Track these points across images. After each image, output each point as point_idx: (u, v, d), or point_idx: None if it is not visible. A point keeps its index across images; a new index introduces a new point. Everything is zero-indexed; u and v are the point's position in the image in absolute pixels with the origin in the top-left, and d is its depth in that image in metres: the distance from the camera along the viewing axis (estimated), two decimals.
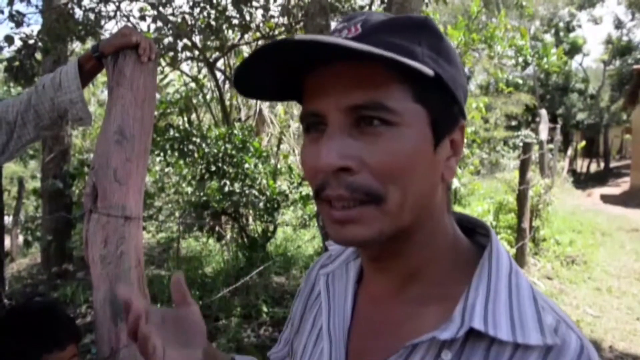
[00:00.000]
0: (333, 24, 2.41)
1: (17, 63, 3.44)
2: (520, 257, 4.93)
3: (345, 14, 4.06)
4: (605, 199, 12.16)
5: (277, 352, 0.73)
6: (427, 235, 0.50)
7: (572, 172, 16.75)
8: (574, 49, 22.20)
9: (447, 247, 0.51)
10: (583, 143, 18.72)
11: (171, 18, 3.45)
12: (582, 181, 16.09)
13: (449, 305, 0.47)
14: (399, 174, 0.45)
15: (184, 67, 5.24)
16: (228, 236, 4.80)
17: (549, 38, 22.25)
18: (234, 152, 4.03)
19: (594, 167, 20.28)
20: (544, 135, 9.10)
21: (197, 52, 3.84)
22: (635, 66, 14.93)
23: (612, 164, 20.83)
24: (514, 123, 18.07)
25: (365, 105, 0.44)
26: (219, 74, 4.95)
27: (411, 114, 0.45)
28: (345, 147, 0.44)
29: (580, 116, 20.98)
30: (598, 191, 13.77)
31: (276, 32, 3.90)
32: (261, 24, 3.74)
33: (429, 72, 0.43)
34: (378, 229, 0.45)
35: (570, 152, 17.13)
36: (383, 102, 0.44)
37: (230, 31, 3.75)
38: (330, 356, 0.54)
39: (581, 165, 19.68)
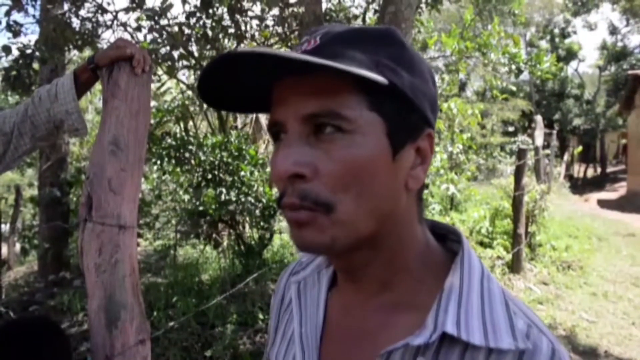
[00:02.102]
0: None
1: (14, 72, 3.47)
2: (516, 263, 4.95)
3: (340, 22, 4.11)
4: (602, 204, 12.22)
5: None
6: (396, 244, 0.50)
7: (569, 177, 16.81)
8: (570, 55, 22.36)
9: (418, 256, 0.51)
10: (580, 148, 18.80)
11: (167, 28, 3.49)
12: (579, 186, 16.14)
13: (422, 311, 0.48)
14: (352, 182, 0.45)
15: (181, 75, 5.27)
16: (225, 243, 4.81)
17: (544, 44, 22.40)
18: (230, 160, 4.05)
19: (590, 172, 20.34)
20: (539, 141, 9.16)
21: (193, 61, 3.88)
22: (630, 71, 15.05)
23: (609, 169, 20.90)
24: (510, 129, 18.17)
25: (319, 114, 0.45)
26: None
27: (366, 123, 0.45)
28: (300, 154, 0.45)
29: (577, 121, 21.09)
30: (595, 196, 13.83)
31: (271, 41, 3.95)
32: (256, 34, 3.78)
33: (382, 80, 0.44)
34: (330, 236, 0.45)
35: (566, 157, 17.20)
36: (337, 111, 0.44)
37: (226, 40, 3.78)
38: None
39: (578, 170, 19.75)
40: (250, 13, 3.65)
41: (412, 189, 0.49)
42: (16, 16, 3.32)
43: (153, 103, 5.51)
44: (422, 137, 0.49)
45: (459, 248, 0.52)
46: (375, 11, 4.21)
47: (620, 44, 22.56)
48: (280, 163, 0.45)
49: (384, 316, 0.51)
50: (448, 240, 0.55)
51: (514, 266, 4.95)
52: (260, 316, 3.46)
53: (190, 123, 5.56)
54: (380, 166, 0.46)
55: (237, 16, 3.45)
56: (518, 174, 4.97)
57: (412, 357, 0.46)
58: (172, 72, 3.75)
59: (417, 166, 0.49)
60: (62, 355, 1.26)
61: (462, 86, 16.08)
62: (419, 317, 0.48)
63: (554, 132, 14.52)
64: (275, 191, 4.32)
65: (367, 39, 0.47)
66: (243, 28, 3.55)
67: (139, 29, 3.65)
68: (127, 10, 3.39)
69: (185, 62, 3.90)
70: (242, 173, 4.02)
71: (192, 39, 3.57)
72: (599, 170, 20.71)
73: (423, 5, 4.50)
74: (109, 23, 3.90)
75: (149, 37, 3.49)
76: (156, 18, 3.28)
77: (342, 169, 0.44)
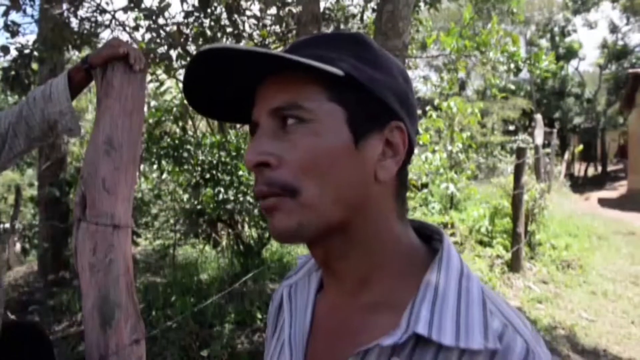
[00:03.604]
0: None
1: (12, 72, 3.47)
2: (515, 262, 4.95)
3: (337, 22, 4.10)
4: (603, 202, 12.21)
5: None
6: (371, 238, 0.51)
7: (570, 176, 16.80)
8: (570, 54, 22.33)
9: (398, 254, 0.52)
10: (581, 147, 18.79)
11: (165, 28, 3.49)
12: (580, 185, 16.12)
13: (399, 311, 0.48)
14: (314, 168, 0.48)
15: (179, 74, 5.26)
16: (224, 243, 4.81)
17: (544, 43, 22.37)
18: (228, 159, 4.05)
19: (591, 171, 20.32)
20: (539, 139, 9.16)
21: None
22: (630, 70, 15.04)
23: (610, 168, 20.87)
24: (511, 127, 18.14)
25: (283, 107, 0.48)
26: None
27: (325, 112, 0.48)
28: (266, 145, 0.49)
29: (577, 120, 21.08)
30: (595, 195, 13.82)
31: (269, 40, 3.94)
32: (254, 33, 3.78)
33: (337, 71, 0.47)
34: (297, 220, 0.48)
35: (567, 156, 17.18)
36: (297, 102, 0.48)
37: (224, 39, 3.78)
38: None
39: (579, 169, 19.73)
40: (248, 12, 3.66)
41: (381, 179, 0.50)
42: (14, 16, 3.33)
43: (153, 103, 5.50)
44: (389, 129, 0.50)
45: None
46: (373, 10, 4.20)
47: (620, 42, 22.53)
48: (247, 154, 0.49)
49: (366, 316, 0.51)
50: (433, 240, 0.55)
51: (514, 265, 4.95)
52: (259, 315, 3.46)
53: (189, 122, 5.56)
54: (341, 153, 0.48)
55: (235, 15, 3.45)
56: (517, 172, 4.97)
57: (387, 357, 0.46)
58: (170, 72, 3.75)
59: (387, 158, 0.51)
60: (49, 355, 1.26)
61: (462, 85, 16.06)
62: (396, 316, 0.48)
63: (555, 130, 14.52)
64: None
65: (334, 41, 0.52)
66: (241, 27, 3.55)
67: (137, 28, 3.66)
68: (125, 9, 3.39)
69: (183, 62, 3.91)
70: (241, 172, 4.02)
71: (190, 39, 3.57)
72: (599, 168, 20.69)
73: (422, 4, 4.49)
74: (107, 23, 3.90)
75: (147, 36, 3.50)
76: (154, 17, 3.28)
77: (304, 155, 0.48)
